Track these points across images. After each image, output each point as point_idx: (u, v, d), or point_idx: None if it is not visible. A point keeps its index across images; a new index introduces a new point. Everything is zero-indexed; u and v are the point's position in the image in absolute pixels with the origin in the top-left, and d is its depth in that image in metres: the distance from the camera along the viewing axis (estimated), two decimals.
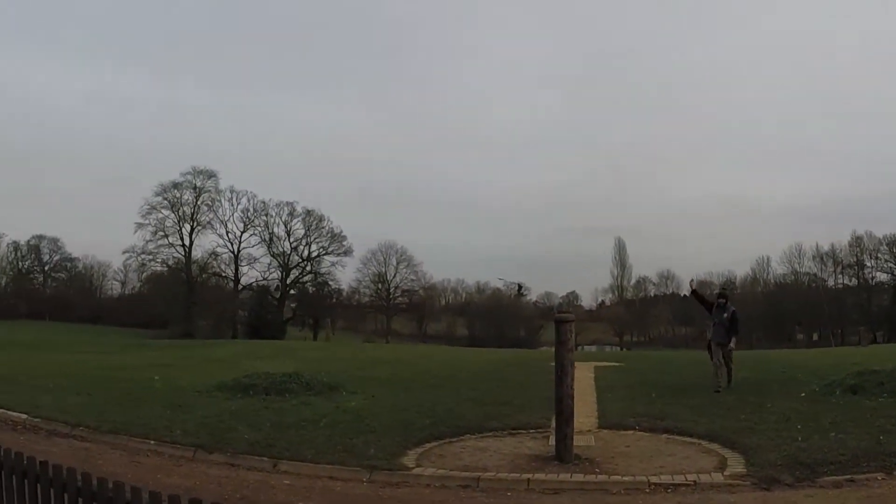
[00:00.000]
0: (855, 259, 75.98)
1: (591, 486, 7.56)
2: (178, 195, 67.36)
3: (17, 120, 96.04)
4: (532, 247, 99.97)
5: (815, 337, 73.53)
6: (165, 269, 69.00)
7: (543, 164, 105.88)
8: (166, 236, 67.29)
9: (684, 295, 69.87)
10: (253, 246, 72.25)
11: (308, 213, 73.06)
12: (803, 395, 12.47)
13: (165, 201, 66.94)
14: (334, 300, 79.47)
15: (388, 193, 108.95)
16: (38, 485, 4.75)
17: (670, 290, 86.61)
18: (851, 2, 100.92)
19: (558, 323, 8.84)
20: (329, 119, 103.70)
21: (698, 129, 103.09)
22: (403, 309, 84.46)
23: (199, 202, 68.42)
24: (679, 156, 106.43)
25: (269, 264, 73.07)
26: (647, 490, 7.37)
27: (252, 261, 72.36)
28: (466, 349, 45.39)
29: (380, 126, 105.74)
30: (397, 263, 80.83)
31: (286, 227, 73.20)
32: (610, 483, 7.60)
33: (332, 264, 74.57)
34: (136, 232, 66.26)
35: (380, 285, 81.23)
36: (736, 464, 8.13)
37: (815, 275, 77.57)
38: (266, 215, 72.49)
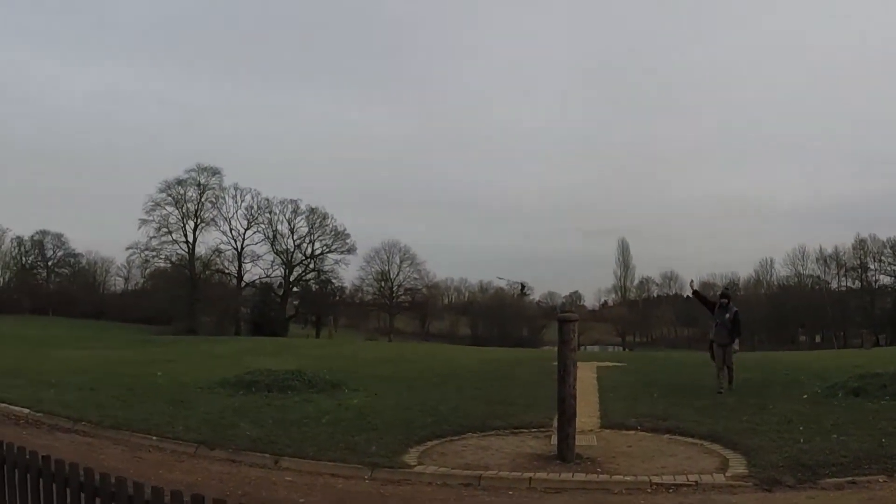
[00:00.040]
0: (858, 262, 75.84)
1: (593, 486, 7.55)
2: (182, 192, 67.48)
3: (21, 115, 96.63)
4: (535, 247, 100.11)
5: (818, 339, 73.40)
6: (169, 265, 69.10)
7: (544, 163, 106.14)
8: (170, 233, 67.37)
9: (687, 296, 69.65)
10: (256, 243, 72.40)
11: (312, 210, 73.18)
12: (805, 396, 12.46)
13: (169, 198, 67.06)
14: (337, 298, 79.53)
15: (391, 192, 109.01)
16: (41, 480, 4.75)
17: (673, 291, 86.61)
18: (852, 1, 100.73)
19: (561, 322, 8.83)
20: (333, 117, 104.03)
21: (699, 129, 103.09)
22: (406, 307, 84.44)
23: (203, 199, 68.54)
24: (680, 156, 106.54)
25: (273, 262, 73.21)
26: (649, 490, 7.36)
27: (255, 258, 72.51)
28: (469, 348, 45.37)
29: (382, 125, 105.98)
30: (400, 262, 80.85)
31: (290, 224, 73.34)
32: (612, 483, 7.59)
33: (336, 262, 74.65)
34: (139, 228, 66.41)
35: (383, 283, 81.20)
36: (738, 465, 8.12)
37: (818, 277, 77.55)
38: (270, 213, 72.61)
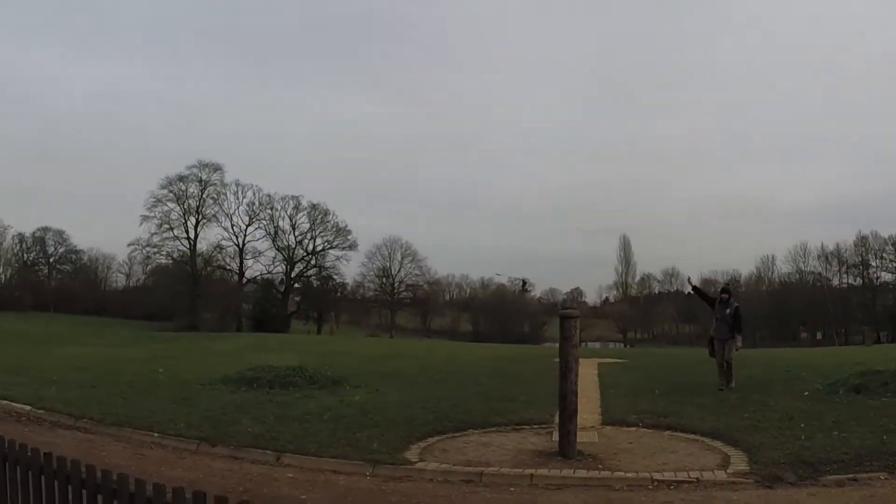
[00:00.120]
0: (860, 259, 75.78)
1: (594, 482, 7.55)
2: (183, 188, 67.37)
3: (21, 115, 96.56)
4: (536, 243, 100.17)
5: (819, 336, 73.41)
6: (170, 261, 69.02)
7: (544, 163, 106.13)
8: (171, 229, 67.28)
9: (688, 292, 69.67)
10: (258, 239, 72.26)
11: (313, 206, 73.05)
12: (807, 393, 12.45)
13: (171, 194, 66.97)
14: (338, 294, 79.55)
15: (391, 191, 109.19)
16: (43, 477, 4.75)
17: (674, 288, 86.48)
18: (852, 1, 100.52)
19: (563, 319, 8.82)
20: (333, 116, 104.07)
21: (699, 129, 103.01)
22: (407, 304, 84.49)
23: (204, 195, 68.41)
24: (680, 156, 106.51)
25: (274, 258, 73.13)
26: (650, 487, 7.35)
27: (257, 254, 72.42)
28: (470, 344, 45.43)
29: (382, 124, 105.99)
30: (402, 258, 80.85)
31: (291, 220, 73.22)
32: (613, 479, 7.59)
33: (337, 258, 74.57)
34: (141, 224, 66.32)
35: (384, 280, 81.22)
36: (739, 461, 8.11)
37: (819, 274, 77.44)
38: (271, 209, 72.49)
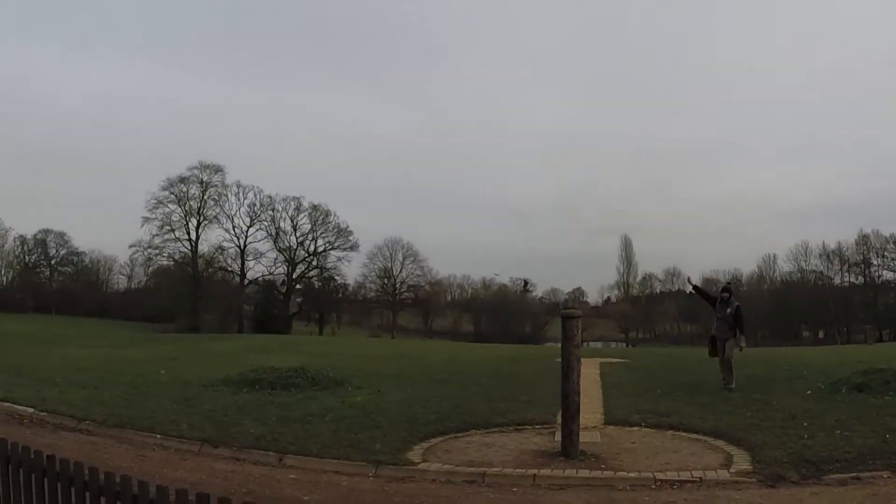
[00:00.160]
0: (861, 257, 75.62)
1: (597, 482, 7.55)
2: (184, 189, 67.49)
3: (21, 115, 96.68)
4: (537, 243, 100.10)
5: (821, 335, 73.29)
6: (172, 263, 69.12)
7: (545, 163, 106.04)
8: (173, 230, 67.39)
9: (689, 292, 69.68)
10: (259, 241, 72.34)
11: (314, 207, 73.14)
12: (809, 392, 12.44)
13: (172, 196, 67.09)
14: (340, 295, 79.57)
15: (393, 189, 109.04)
16: (45, 479, 4.76)
17: (676, 287, 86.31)
18: (852, 1, 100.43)
19: (564, 319, 8.82)
20: (334, 116, 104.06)
21: (699, 129, 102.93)
22: (409, 304, 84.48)
23: (205, 197, 68.53)
24: (680, 156, 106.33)
25: (276, 259, 73.20)
26: (653, 486, 7.35)
27: (258, 255, 72.50)
28: (472, 345, 45.44)
29: (382, 124, 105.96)
30: (403, 259, 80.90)
31: (292, 221, 73.32)
32: (615, 479, 7.59)
33: (339, 259, 74.69)
34: (142, 226, 66.46)
35: (385, 280, 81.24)
36: (742, 461, 8.11)
37: (821, 273, 77.31)
38: (272, 210, 72.59)
